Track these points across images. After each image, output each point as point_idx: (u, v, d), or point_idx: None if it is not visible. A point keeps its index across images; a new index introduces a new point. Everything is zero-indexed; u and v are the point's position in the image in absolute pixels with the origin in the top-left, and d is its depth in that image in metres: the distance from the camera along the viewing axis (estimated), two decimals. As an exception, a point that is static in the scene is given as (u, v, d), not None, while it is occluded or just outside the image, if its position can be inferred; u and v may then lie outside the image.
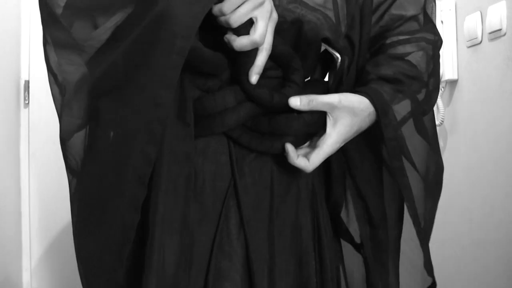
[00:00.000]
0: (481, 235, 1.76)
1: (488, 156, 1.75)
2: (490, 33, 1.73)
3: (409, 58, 0.98)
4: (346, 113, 0.90)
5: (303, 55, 0.94)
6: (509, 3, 1.65)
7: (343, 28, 0.96)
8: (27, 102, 2.27)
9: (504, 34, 1.67)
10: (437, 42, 1.01)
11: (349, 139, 0.93)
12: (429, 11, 1.02)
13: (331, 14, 0.95)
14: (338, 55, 0.95)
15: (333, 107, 0.90)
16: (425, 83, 0.98)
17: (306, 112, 0.91)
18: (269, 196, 0.93)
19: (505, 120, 1.67)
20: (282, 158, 0.92)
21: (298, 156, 0.90)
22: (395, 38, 1.00)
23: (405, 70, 0.96)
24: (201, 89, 0.88)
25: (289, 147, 0.90)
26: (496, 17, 1.68)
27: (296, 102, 0.89)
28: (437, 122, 1.92)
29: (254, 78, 0.87)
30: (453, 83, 1.95)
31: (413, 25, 1.01)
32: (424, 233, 1.00)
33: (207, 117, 0.89)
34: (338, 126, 0.91)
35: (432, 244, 1.04)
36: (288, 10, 0.92)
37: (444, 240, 1.89)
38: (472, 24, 1.81)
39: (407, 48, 0.99)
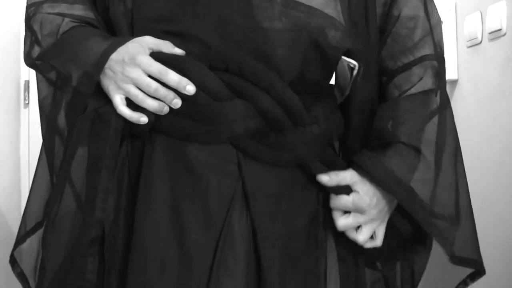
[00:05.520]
0: (481, 235, 1.76)
1: (488, 156, 1.75)
2: (490, 33, 1.72)
3: (415, 88, 0.99)
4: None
5: (321, 66, 0.92)
6: (509, 3, 1.65)
7: (354, 29, 0.95)
8: (27, 102, 2.27)
9: (504, 34, 1.67)
10: (442, 54, 1.02)
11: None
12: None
13: (339, 16, 0.93)
14: (356, 63, 0.94)
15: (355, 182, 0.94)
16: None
17: (314, 124, 0.91)
18: (280, 207, 0.92)
19: (505, 120, 1.67)
20: (293, 170, 0.92)
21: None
22: (396, 65, 1.00)
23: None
24: (211, 97, 0.87)
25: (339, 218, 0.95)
26: (496, 17, 1.68)
27: (325, 179, 0.93)
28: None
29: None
30: (453, 83, 1.95)
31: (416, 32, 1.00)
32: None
33: (213, 124, 0.88)
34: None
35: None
36: (303, 20, 0.89)
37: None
38: (472, 24, 1.81)
39: (412, 78, 0.99)
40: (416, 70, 0.99)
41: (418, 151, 0.95)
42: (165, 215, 0.88)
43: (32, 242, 1.02)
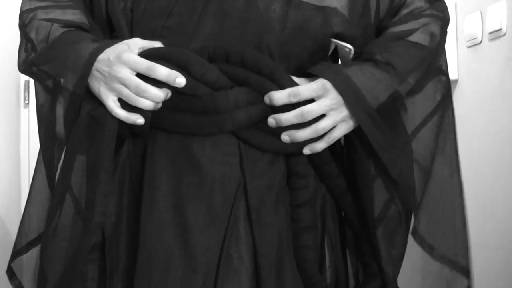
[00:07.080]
0: (481, 235, 1.76)
1: (487, 156, 1.75)
2: (490, 33, 1.72)
3: (412, 37, 0.97)
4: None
5: (314, 54, 0.93)
6: (509, 3, 1.65)
7: (356, 18, 0.95)
8: (27, 102, 2.27)
9: (504, 34, 1.67)
10: (446, 18, 1.01)
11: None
12: None
13: (342, 5, 0.93)
14: (351, 47, 0.94)
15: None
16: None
17: None
18: (282, 200, 0.91)
19: (505, 120, 1.67)
20: (296, 160, 0.92)
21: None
22: (397, 18, 0.99)
23: (399, 53, 0.94)
24: (211, 87, 0.87)
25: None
26: (496, 17, 1.68)
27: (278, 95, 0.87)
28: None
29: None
30: (453, 83, 1.94)
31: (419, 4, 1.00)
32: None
33: (216, 114, 0.87)
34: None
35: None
36: (296, 10, 0.91)
37: (444, 240, 1.88)
38: (472, 24, 1.80)
39: (410, 25, 0.98)
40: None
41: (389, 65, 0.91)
42: (168, 214, 0.87)
43: (33, 254, 1.00)
